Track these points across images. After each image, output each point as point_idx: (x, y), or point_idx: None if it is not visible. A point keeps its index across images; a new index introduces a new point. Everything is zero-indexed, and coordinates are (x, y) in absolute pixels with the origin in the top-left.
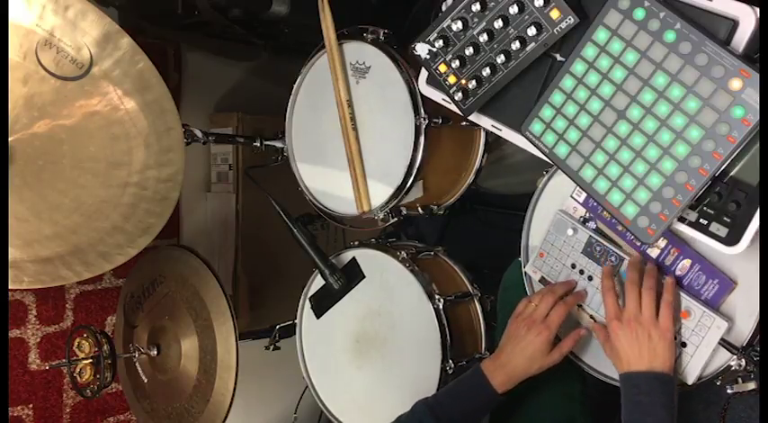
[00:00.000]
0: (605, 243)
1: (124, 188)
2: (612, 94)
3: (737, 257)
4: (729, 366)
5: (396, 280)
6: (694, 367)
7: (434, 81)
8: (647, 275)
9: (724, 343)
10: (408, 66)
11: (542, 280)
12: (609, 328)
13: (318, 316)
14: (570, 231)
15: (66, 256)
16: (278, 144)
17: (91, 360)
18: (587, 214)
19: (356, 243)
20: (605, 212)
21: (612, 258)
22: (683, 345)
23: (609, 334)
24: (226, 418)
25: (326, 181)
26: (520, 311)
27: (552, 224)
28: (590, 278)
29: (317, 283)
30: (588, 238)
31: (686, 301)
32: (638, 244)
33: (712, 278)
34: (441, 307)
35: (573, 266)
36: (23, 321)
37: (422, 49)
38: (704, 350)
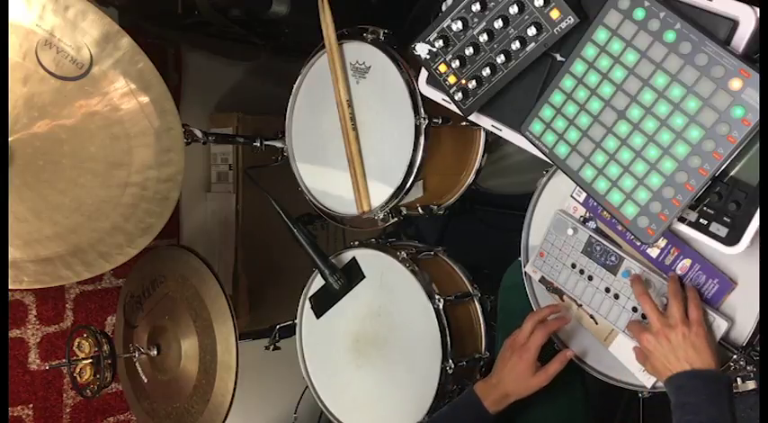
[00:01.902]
0: (605, 243)
1: (124, 188)
2: (612, 94)
3: (737, 257)
4: (729, 366)
5: (396, 280)
6: None
7: (434, 81)
8: (671, 280)
9: (724, 343)
10: (408, 66)
11: (542, 280)
12: (643, 347)
13: (318, 316)
14: (570, 231)
15: (66, 256)
16: (278, 144)
17: (91, 360)
18: (587, 214)
19: (356, 243)
20: (605, 212)
21: (612, 258)
22: None
23: (645, 354)
24: (226, 418)
25: (326, 181)
26: (512, 334)
27: (552, 224)
28: (590, 278)
29: (317, 283)
30: (588, 238)
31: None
32: (638, 244)
33: (712, 278)
34: (441, 307)
35: (573, 266)
36: (23, 321)
37: (422, 49)
38: None
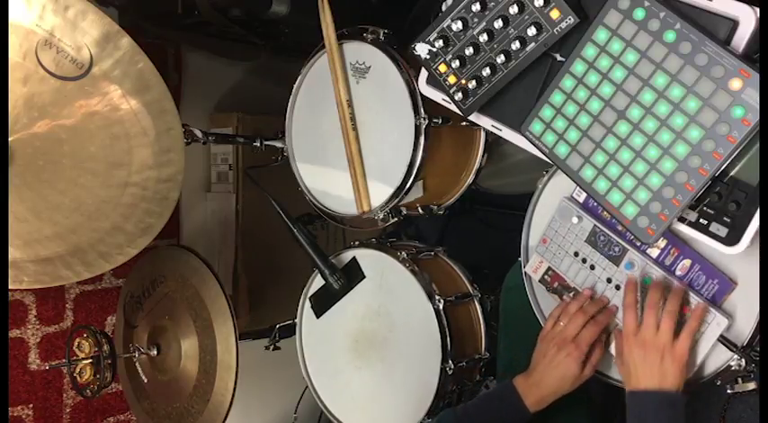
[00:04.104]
0: (610, 233)
1: (124, 188)
2: (612, 94)
3: (737, 257)
4: (729, 366)
5: (396, 280)
6: (691, 361)
7: (434, 81)
8: (672, 298)
9: (724, 340)
10: (408, 66)
11: (542, 280)
12: (624, 343)
13: (318, 316)
14: (575, 219)
15: (66, 256)
16: (278, 144)
17: (91, 360)
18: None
19: (356, 243)
20: (605, 212)
21: (616, 249)
22: None
23: (622, 349)
24: (226, 418)
25: (326, 181)
26: (548, 331)
27: (557, 211)
28: (592, 267)
29: (317, 283)
30: (593, 228)
31: (688, 295)
32: (639, 244)
33: (712, 278)
34: (441, 308)
35: (576, 255)
36: (23, 321)
37: (422, 49)
38: (703, 345)
